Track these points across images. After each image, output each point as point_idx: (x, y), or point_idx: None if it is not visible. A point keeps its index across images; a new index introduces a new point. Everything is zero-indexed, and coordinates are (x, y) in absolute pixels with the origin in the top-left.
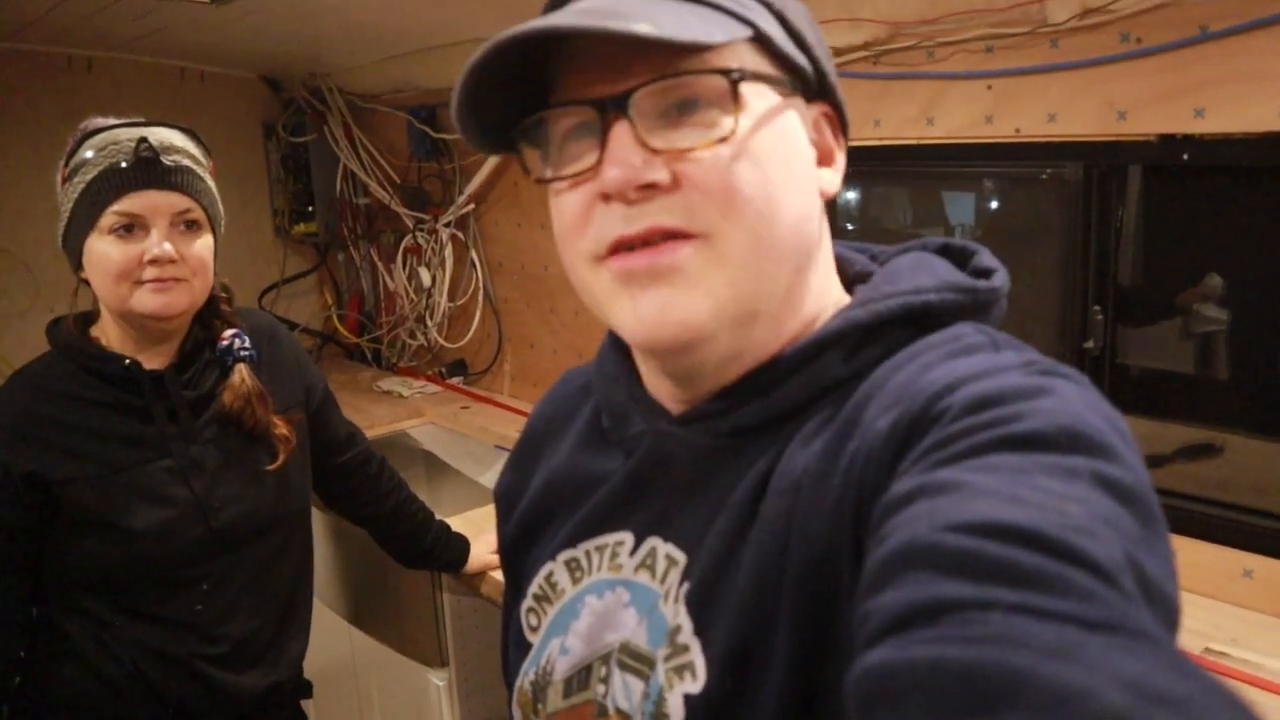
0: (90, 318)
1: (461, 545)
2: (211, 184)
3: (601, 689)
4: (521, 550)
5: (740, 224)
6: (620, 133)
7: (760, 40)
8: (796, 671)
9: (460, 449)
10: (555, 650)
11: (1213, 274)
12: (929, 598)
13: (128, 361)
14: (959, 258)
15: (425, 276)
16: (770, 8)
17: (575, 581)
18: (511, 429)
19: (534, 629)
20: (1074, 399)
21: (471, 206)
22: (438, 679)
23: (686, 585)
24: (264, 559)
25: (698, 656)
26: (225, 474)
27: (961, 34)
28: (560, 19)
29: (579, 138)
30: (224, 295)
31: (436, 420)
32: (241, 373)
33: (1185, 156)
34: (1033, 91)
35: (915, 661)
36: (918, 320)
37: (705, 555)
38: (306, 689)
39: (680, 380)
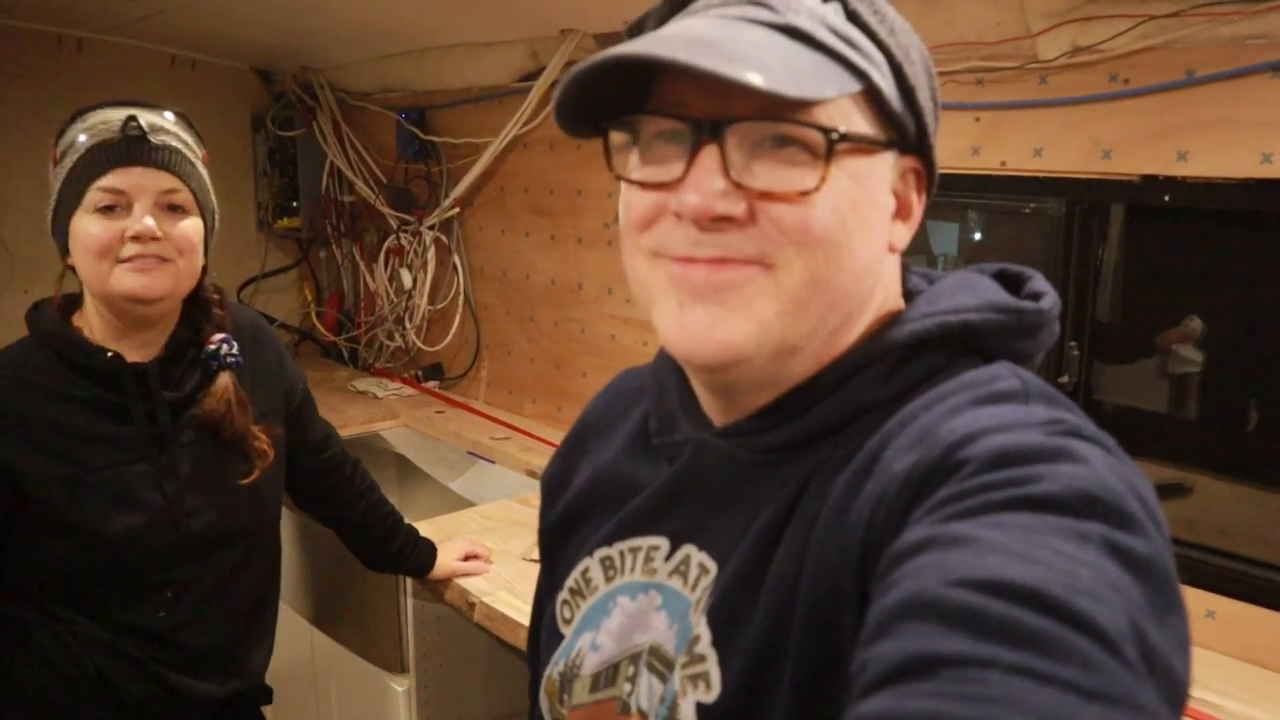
0: (75, 302)
1: (429, 551)
2: (202, 170)
3: (628, 687)
4: (559, 542)
5: (807, 262)
6: (708, 158)
7: (870, 93)
8: (802, 698)
9: (432, 453)
10: (585, 645)
11: (1193, 316)
12: (928, 651)
13: (110, 354)
14: (1014, 283)
15: (406, 278)
16: (891, 60)
17: (608, 580)
18: (485, 435)
19: (567, 621)
20: (1096, 463)
21: (456, 210)
22: (398, 685)
23: (711, 597)
24: (230, 567)
25: (713, 668)
26: (198, 481)
27: (951, 65)
28: (677, 51)
29: (668, 141)
30: (216, 297)
31: (410, 423)
32: (225, 379)
33: (1167, 198)
34: (1020, 126)
35: (910, 714)
36: (958, 341)
37: (730, 571)
38: (267, 695)
39: (716, 394)
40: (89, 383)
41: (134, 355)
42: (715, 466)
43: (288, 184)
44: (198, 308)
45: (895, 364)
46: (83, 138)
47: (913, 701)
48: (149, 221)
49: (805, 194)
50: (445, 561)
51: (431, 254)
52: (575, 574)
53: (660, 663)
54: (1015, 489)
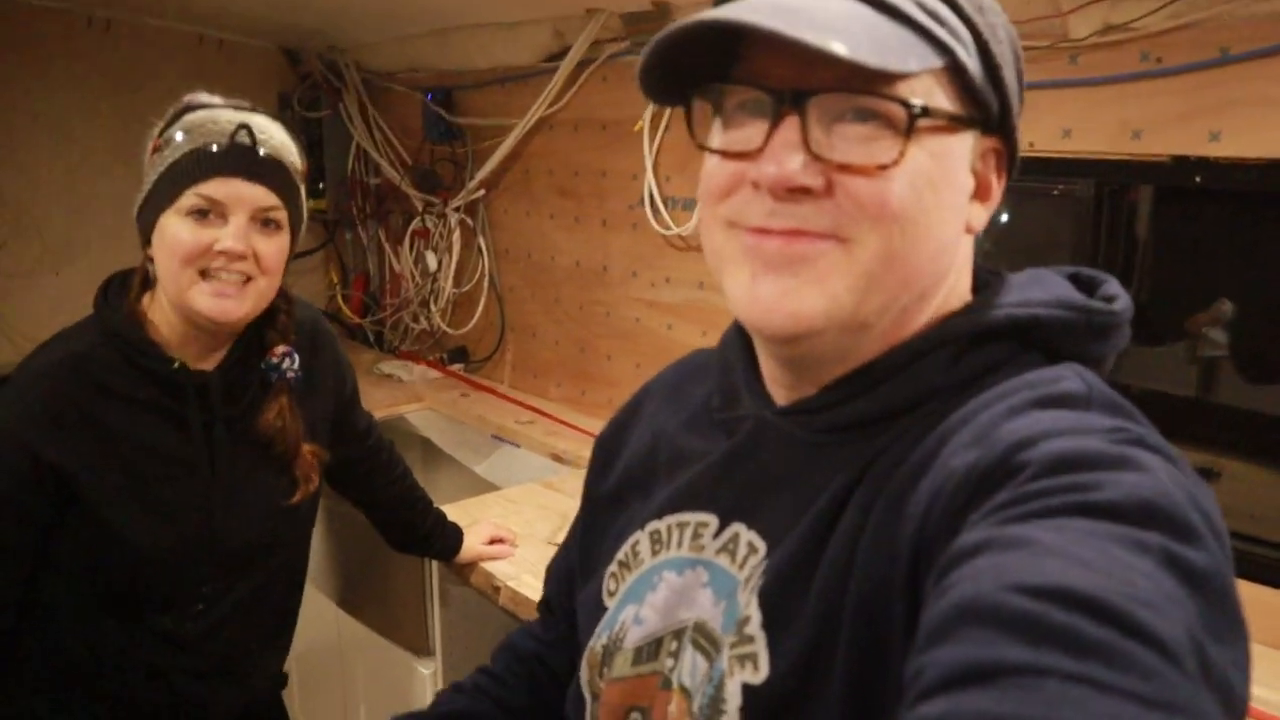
0: (147, 282)
1: (456, 534)
2: (301, 186)
3: (670, 663)
4: (612, 510)
5: (882, 237)
6: (788, 129)
7: (954, 69)
8: (852, 686)
9: (457, 436)
10: (629, 618)
11: (1223, 299)
12: (987, 658)
13: (176, 365)
14: (1087, 285)
15: (432, 260)
16: (978, 37)
17: (654, 554)
18: (510, 419)
19: (611, 594)
20: (1158, 473)
21: (482, 193)
22: (424, 667)
23: (762, 578)
24: (261, 581)
25: (762, 650)
26: (243, 498)
27: None
28: (763, 18)
29: (750, 112)
30: (285, 307)
31: (435, 406)
32: (282, 395)
33: (1198, 179)
34: (1049, 106)
35: (968, 714)
36: (1025, 334)
37: (784, 553)
38: (282, 681)
39: (788, 367)
40: (150, 386)
41: (197, 359)
42: (772, 445)
43: (313, 166)
44: (265, 315)
45: (960, 351)
46: (188, 135)
47: (971, 704)
48: (239, 243)
49: (883, 168)
50: (471, 545)
51: (457, 236)
52: (625, 547)
53: (706, 640)
54: (1075, 495)
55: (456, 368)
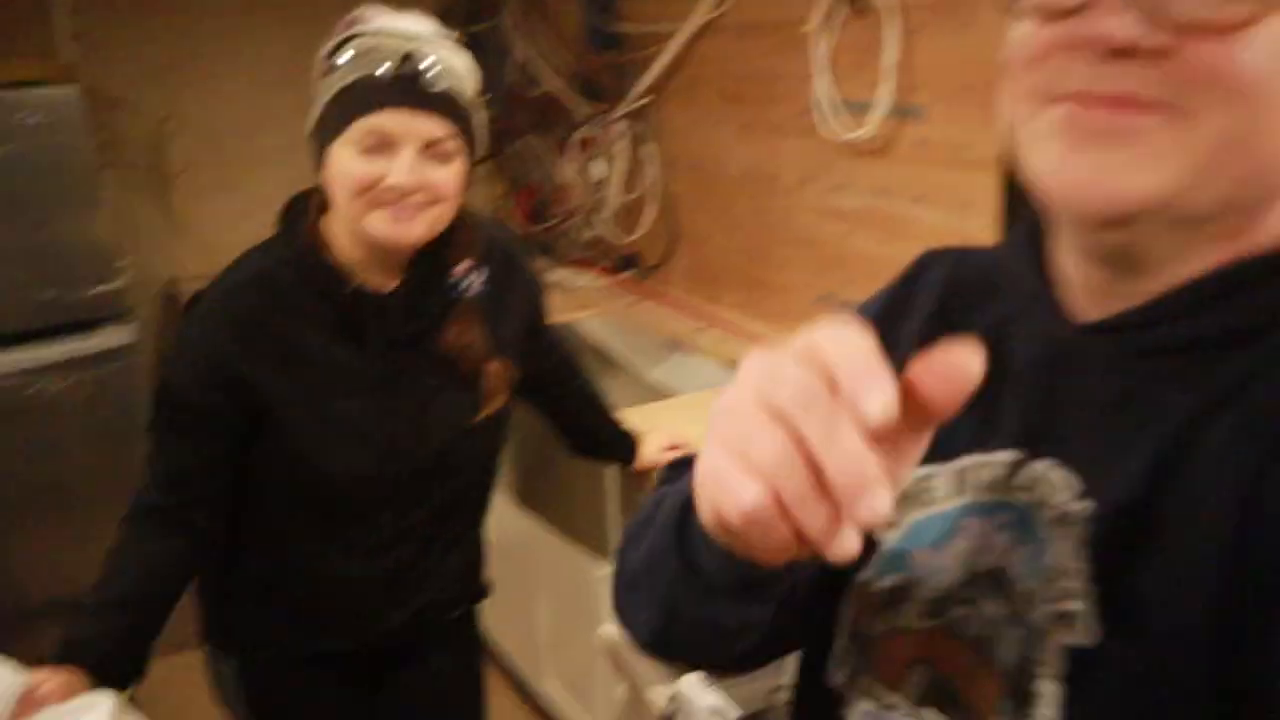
0: (326, 203)
1: (632, 442)
2: (477, 109)
3: (962, 610)
4: None
5: (1227, 113)
6: None
7: None
8: (1228, 657)
9: (629, 344)
10: (924, 565)
11: None
12: None
13: (353, 288)
14: None
15: (598, 170)
16: None
17: (952, 495)
18: (681, 326)
19: (890, 525)
20: None
21: (647, 100)
22: (600, 570)
23: (1087, 524)
24: (448, 499)
25: (1092, 609)
26: (428, 416)
27: None
28: None
29: None
30: (467, 222)
31: (606, 314)
32: (468, 311)
33: None
34: None
35: None
36: None
37: (1114, 497)
38: (480, 593)
39: (1105, 265)
40: (331, 307)
41: (377, 278)
42: (1077, 368)
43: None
44: (445, 233)
45: None
46: (354, 62)
47: None
48: (409, 178)
49: (1236, 28)
50: (647, 453)
51: (623, 145)
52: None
53: (1011, 591)
54: None
55: (627, 275)
